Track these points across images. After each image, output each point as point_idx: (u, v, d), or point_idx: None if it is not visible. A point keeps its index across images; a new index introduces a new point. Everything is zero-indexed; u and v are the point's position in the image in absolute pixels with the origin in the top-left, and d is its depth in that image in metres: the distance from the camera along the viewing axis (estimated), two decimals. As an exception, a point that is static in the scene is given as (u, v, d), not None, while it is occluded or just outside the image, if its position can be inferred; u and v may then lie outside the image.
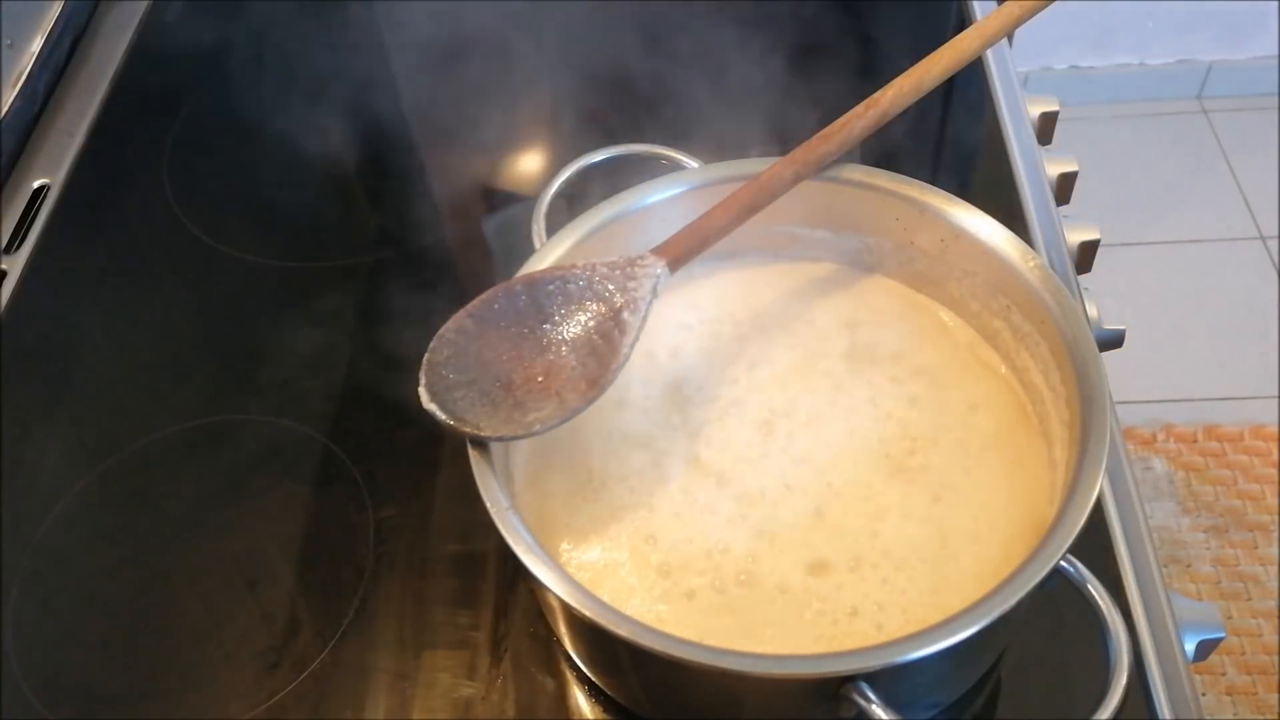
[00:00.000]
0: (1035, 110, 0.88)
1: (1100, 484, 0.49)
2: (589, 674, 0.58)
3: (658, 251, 0.57)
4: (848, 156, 0.61)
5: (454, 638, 0.61)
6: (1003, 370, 0.61)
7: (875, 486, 0.57)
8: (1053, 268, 0.62)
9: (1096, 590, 0.48)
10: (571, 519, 0.57)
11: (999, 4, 0.63)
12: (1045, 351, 0.57)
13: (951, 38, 0.62)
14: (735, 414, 0.60)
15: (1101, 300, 0.76)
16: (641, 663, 0.52)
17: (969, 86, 0.87)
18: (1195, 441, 1.66)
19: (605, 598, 0.52)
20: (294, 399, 0.73)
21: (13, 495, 0.69)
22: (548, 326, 0.56)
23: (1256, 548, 1.55)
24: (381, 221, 0.86)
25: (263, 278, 0.81)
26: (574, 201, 0.65)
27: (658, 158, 0.67)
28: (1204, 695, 1.42)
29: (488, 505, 0.50)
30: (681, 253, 0.58)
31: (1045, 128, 0.88)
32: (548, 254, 0.60)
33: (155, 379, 0.76)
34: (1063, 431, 0.55)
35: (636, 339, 0.55)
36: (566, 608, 0.48)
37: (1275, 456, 1.63)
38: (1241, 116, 2.11)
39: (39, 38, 0.93)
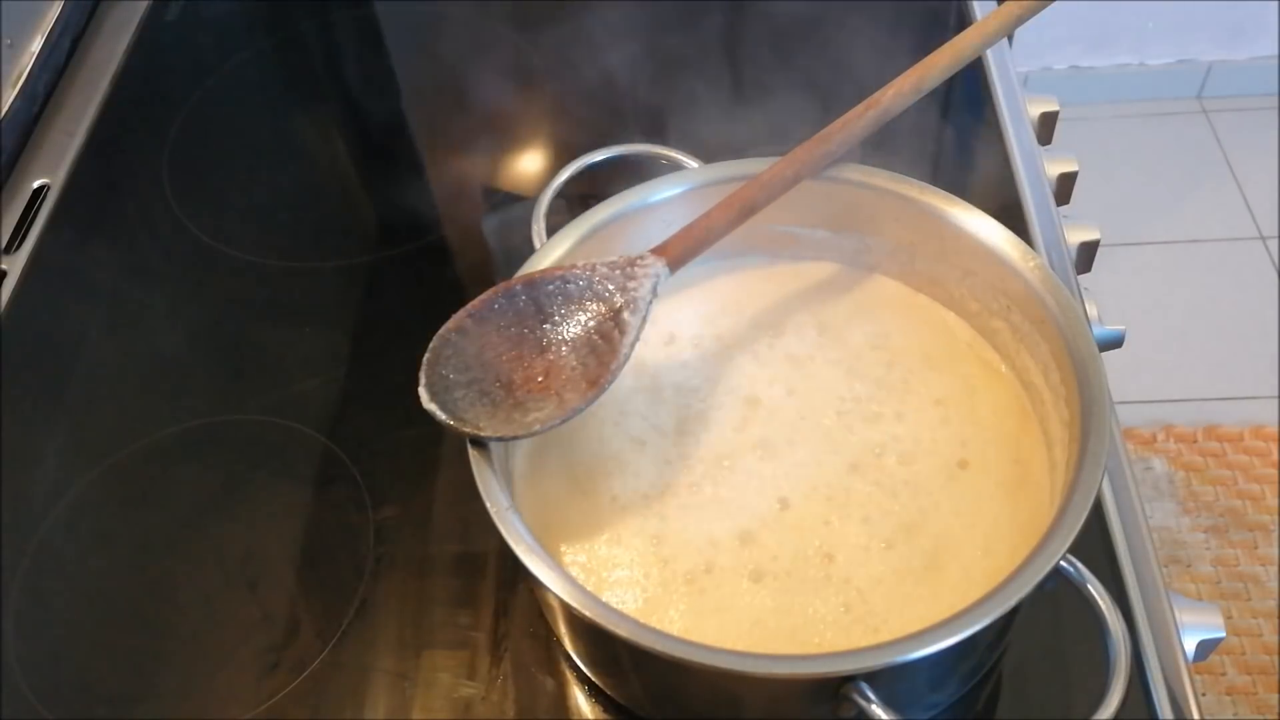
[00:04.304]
0: (1035, 110, 0.88)
1: (1100, 484, 0.49)
2: (589, 674, 0.58)
3: (658, 251, 0.57)
4: (848, 156, 0.61)
5: (454, 638, 0.61)
6: (1003, 370, 0.61)
7: (875, 485, 0.57)
8: (1053, 268, 0.62)
9: (1096, 590, 0.48)
10: (571, 519, 0.57)
11: (999, 4, 0.63)
12: (1045, 351, 0.57)
13: (951, 38, 0.62)
14: (735, 413, 0.60)
15: (1101, 300, 0.76)
16: (641, 663, 0.52)
17: (969, 86, 0.86)
18: (1195, 441, 1.66)
19: (605, 597, 0.52)
20: (294, 399, 0.73)
21: (13, 495, 0.69)
22: (548, 326, 0.56)
23: (1256, 548, 1.55)
24: (381, 221, 0.86)
25: (263, 278, 0.81)
26: (574, 201, 0.65)
27: (658, 158, 0.67)
28: (1204, 695, 1.42)
29: (488, 505, 0.50)
30: (681, 253, 0.58)
31: (1045, 128, 0.88)
32: (548, 254, 0.60)
33: (155, 379, 0.76)
34: (1063, 431, 0.55)
35: (636, 339, 0.55)
36: (566, 608, 0.48)
37: (1275, 456, 1.63)
38: (1241, 116, 2.11)
39: (39, 38, 0.93)
